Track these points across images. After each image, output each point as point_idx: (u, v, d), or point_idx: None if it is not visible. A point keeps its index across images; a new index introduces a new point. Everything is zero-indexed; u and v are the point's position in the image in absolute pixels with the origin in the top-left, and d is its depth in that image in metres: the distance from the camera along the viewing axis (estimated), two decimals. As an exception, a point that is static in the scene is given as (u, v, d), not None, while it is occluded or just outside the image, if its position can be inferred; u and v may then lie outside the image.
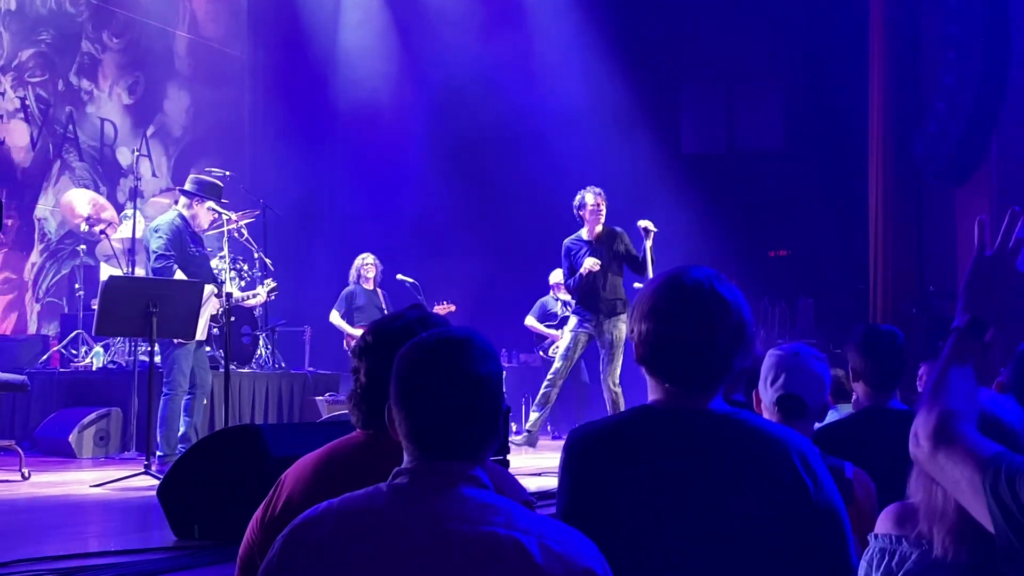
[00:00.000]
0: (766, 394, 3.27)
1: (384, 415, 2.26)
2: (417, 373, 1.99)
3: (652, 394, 2.30)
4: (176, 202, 8.38)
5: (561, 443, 2.41)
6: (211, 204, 7.99)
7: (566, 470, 2.33)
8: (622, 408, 8.31)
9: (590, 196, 8.64)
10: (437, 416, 1.96)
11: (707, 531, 2.16)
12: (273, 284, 8.55)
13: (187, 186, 8.15)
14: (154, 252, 7.73)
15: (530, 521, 1.91)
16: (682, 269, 2.29)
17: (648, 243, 8.46)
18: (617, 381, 8.49)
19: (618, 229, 8.64)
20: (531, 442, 8.65)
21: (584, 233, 8.69)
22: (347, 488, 2.07)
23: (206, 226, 8.19)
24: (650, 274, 8.41)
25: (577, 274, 8.53)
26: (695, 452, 2.20)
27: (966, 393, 1.98)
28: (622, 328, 8.51)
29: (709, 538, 2.15)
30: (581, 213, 8.68)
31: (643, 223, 8.50)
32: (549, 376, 8.64)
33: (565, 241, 8.79)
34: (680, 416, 2.24)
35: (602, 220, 8.62)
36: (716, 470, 2.18)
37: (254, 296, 8.53)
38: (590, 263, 8.45)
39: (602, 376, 8.56)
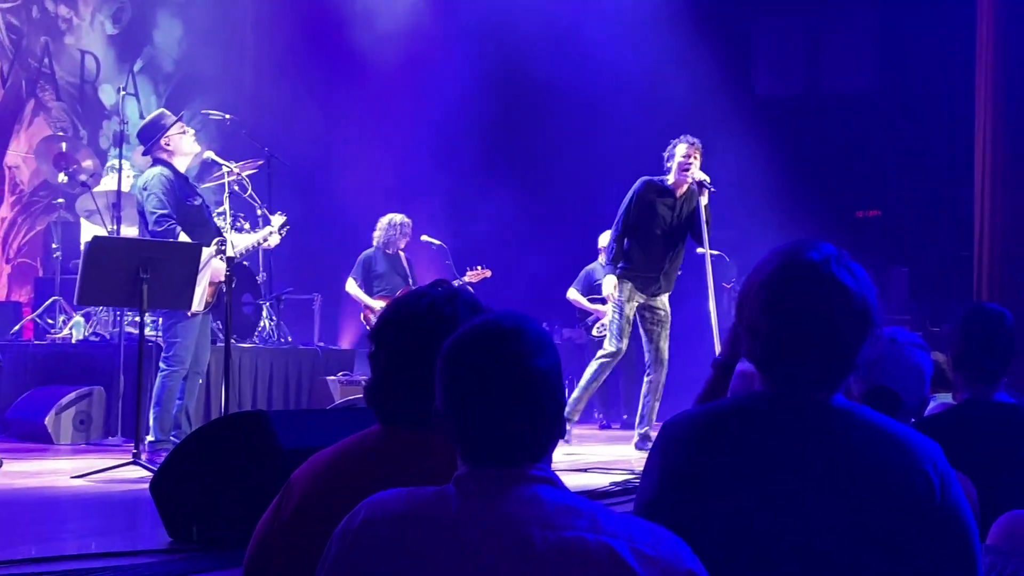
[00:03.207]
0: (855, 384, 3.24)
1: (409, 409, 2.34)
2: (467, 374, 1.99)
3: (764, 385, 2.35)
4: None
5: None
6: (179, 128, 7.96)
7: (660, 457, 2.38)
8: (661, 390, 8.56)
9: (682, 147, 8.55)
10: (495, 421, 1.98)
11: (822, 532, 2.21)
12: (283, 218, 8.39)
13: (140, 136, 8.18)
14: (151, 214, 7.71)
15: (616, 523, 1.95)
16: (795, 249, 2.30)
17: (703, 200, 8.45)
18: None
19: (707, 186, 8.48)
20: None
21: (671, 181, 8.61)
22: (364, 494, 2.11)
23: (191, 152, 8.10)
24: (706, 242, 8.39)
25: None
26: (812, 447, 2.25)
27: None
28: (667, 300, 8.71)
29: (823, 539, 2.20)
30: (669, 164, 8.62)
31: (698, 175, 8.47)
32: (603, 359, 8.61)
33: (645, 179, 8.68)
34: (798, 408, 2.29)
35: (692, 176, 8.49)
36: (836, 466, 2.23)
37: (266, 239, 8.39)
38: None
39: (654, 355, 8.59)
